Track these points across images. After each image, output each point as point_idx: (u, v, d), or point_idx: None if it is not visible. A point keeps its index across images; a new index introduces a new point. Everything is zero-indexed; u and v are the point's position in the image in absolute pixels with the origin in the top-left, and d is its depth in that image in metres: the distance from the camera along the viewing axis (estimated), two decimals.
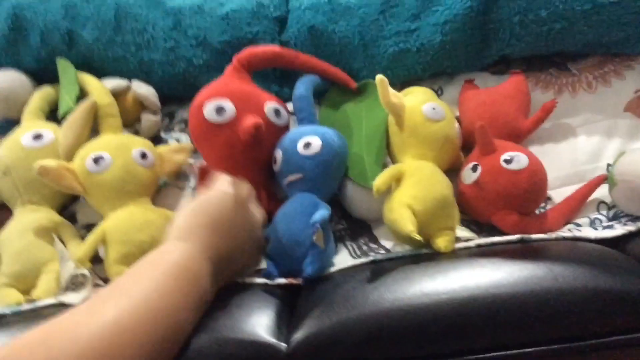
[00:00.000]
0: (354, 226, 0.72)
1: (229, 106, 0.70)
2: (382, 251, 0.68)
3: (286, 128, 0.74)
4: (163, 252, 0.54)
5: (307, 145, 0.67)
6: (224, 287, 0.62)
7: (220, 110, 0.69)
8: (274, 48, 0.76)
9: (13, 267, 0.69)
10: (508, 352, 0.50)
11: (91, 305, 0.48)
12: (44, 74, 0.86)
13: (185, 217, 0.58)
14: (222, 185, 0.64)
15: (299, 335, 0.52)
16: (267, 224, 0.68)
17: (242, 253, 0.61)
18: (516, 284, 0.51)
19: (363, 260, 0.63)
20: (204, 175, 0.69)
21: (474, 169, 0.65)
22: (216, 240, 0.57)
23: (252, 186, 0.70)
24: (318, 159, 0.67)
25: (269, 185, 0.74)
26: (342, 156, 0.69)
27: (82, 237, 0.74)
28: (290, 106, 0.78)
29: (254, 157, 0.71)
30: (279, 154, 0.70)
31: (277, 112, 0.73)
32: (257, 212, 0.66)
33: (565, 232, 0.62)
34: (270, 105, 0.72)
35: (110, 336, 0.44)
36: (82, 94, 0.81)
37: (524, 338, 0.51)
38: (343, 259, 0.66)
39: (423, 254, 0.62)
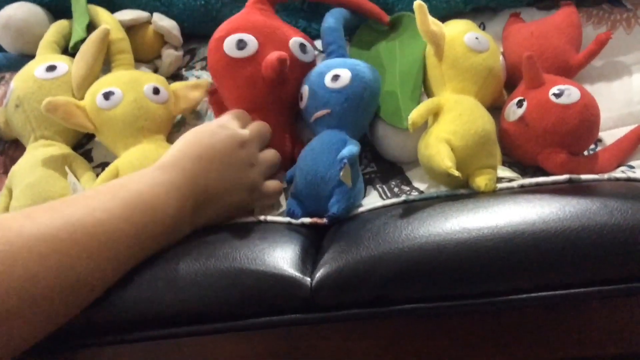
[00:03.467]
0: (385, 169, 0.67)
1: (251, 40, 0.65)
2: (415, 193, 0.63)
3: (312, 65, 0.69)
4: (131, 179, 0.54)
5: (336, 77, 0.62)
6: (245, 223, 0.58)
7: (241, 44, 0.65)
8: None
9: (24, 201, 0.66)
10: (557, 292, 0.45)
11: (22, 215, 0.47)
12: (60, 8, 0.81)
13: (178, 146, 0.57)
14: (226, 118, 0.61)
15: (324, 270, 0.48)
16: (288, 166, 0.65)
17: (230, 192, 0.58)
18: (567, 218, 0.45)
19: (394, 200, 0.58)
20: (219, 106, 0.65)
21: (520, 104, 0.60)
22: (201, 173, 0.56)
23: (275, 127, 0.66)
24: (347, 93, 0.62)
25: (293, 127, 0.69)
26: (373, 90, 0.63)
27: (97, 175, 0.70)
28: (318, 44, 0.73)
29: (277, 95, 0.66)
30: (305, 89, 0.65)
31: (302, 47, 0.68)
32: (268, 155, 0.62)
33: (618, 173, 0.57)
34: (295, 39, 0.67)
35: (20, 251, 0.43)
36: (93, 26, 0.76)
37: (575, 278, 0.45)
38: (372, 201, 0.61)
39: (461, 194, 0.56)
